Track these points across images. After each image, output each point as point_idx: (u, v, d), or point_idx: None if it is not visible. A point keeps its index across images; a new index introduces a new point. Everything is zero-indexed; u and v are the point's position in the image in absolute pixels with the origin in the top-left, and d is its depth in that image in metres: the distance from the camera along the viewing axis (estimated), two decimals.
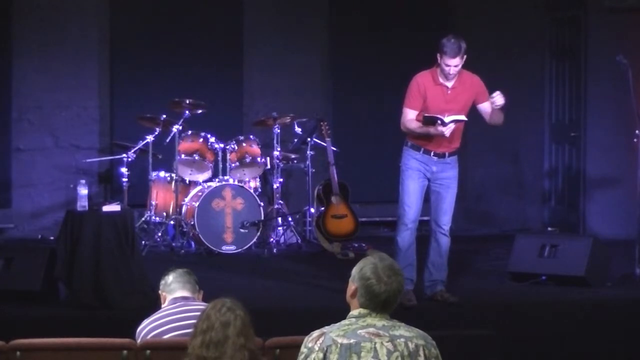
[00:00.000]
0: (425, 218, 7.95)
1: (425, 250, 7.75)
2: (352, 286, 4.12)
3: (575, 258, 8.37)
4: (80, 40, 10.96)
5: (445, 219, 7.69)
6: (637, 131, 8.73)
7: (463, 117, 7.54)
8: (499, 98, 7.56)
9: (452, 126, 7.48)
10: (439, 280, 7.73)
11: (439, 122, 7.44)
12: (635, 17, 10.84)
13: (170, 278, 5.44)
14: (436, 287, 7.72)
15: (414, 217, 7.65)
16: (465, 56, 7.46)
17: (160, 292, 5.47)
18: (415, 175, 7.62)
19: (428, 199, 7.75)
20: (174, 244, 9.88)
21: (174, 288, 5.40)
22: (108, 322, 7.11)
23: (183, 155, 9.93)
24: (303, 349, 4.07)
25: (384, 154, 10.70)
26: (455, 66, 7.46)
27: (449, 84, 7.57)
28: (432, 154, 7.62)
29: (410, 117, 7.60)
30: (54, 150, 10.96)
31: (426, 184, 7.67)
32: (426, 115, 7.51)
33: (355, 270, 4.13)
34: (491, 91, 7.66)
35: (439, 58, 7.49)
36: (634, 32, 10.67)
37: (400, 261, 7.57)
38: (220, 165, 10.22)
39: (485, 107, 7.67)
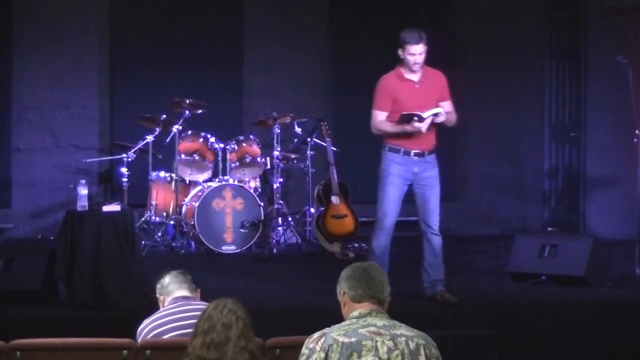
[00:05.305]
0: (414, 218, 7.91)
1: (419, 252, 7.73)
2: (341, 296, 4.26)
3: (575, 258, 8.36)
4: (80, 40, 10.94)
5: (434, 219, 7.67)
6: (637, 131, 8.73)
7: (440, 110, 7.56)
8: (440, 116, 7.55)
9: (429, 121, 7.50)
10: (437, 280, 7.71)
11: (415, 118, 7.46)
12: (635, 17, 10.83)
13: (166, 280, 5.45)
14: (436, 287, 7.70)
15: (392, 221, 7.67)
16: (426, 46, 7.49)
17: (157, 295, 5.46)
18: (396, 182, 7.61)
19: (412, 200, 7.73)
20: (174, 244, 9.88)
21: (172, 289, 5.40)
22: (108, 322, 7.10)
23: (183, 155, 9.93)
24: (304, 351, 4.07)
25: None
26: (420, 54, 7.50)
27: (415, 78, 7.60)
28: (412, 154, 7.61)
29: (380, 118, 7.66)
30: (54, 150, 10.95)
31: (406, 189, 7.66)
32: (404, 113, 7.53)
33: (337, 286, 4.30)
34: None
35: (401, 53, 7.55)
36: (634, 32, 10.67)
37: None
38: (220, 165, 10.21)
39: (444, 106, 7.67)
